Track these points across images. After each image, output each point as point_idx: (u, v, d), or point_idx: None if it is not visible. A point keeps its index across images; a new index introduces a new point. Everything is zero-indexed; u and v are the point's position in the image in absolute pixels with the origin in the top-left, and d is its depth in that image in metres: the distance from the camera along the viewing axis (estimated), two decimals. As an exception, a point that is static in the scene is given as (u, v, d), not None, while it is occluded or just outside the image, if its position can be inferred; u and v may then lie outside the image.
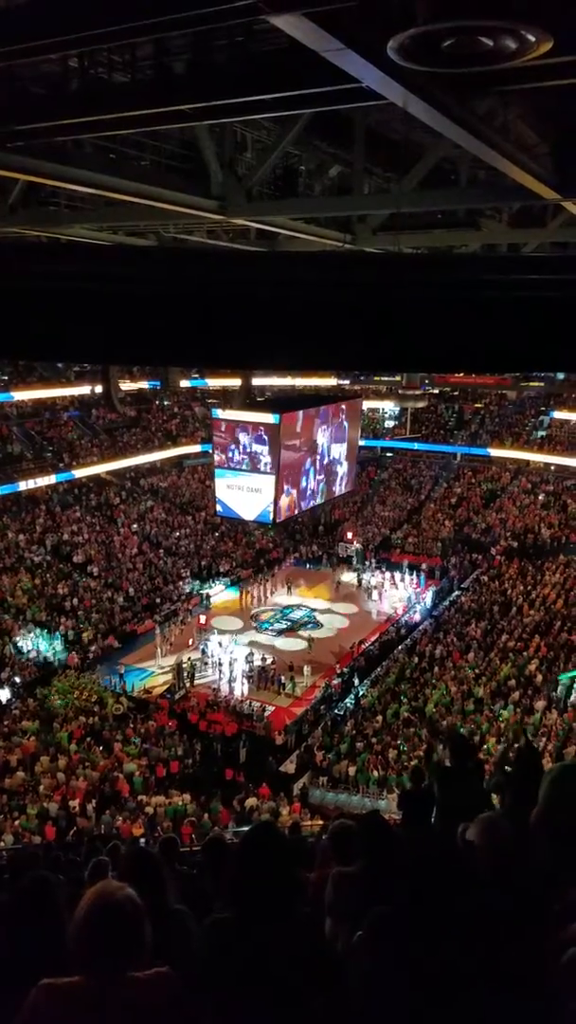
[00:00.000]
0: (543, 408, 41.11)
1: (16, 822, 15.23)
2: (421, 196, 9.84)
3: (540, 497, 36.86)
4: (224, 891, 2.39)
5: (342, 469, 19.18)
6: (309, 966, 2.28)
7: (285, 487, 15.91)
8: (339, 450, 18.52)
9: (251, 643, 26.80)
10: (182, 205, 9.77)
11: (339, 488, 19.72)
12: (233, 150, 9.92)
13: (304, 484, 17.14)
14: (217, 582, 32.38)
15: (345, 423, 18.77)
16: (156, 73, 6.65)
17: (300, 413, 16.45)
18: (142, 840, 13.78)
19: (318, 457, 17.44)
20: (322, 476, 17.91)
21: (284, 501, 16.06)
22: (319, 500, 18.75)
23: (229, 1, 4.02)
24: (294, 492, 16.67)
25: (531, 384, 41.45)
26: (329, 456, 17.92)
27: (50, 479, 32.91)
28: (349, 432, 19.25)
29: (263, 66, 5.96)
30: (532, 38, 4.31)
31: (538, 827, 2.88)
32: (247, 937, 2.24)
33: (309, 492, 17.52)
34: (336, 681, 24.16)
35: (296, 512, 18.01)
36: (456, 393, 44.68)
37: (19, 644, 24.66)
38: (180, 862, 6.24)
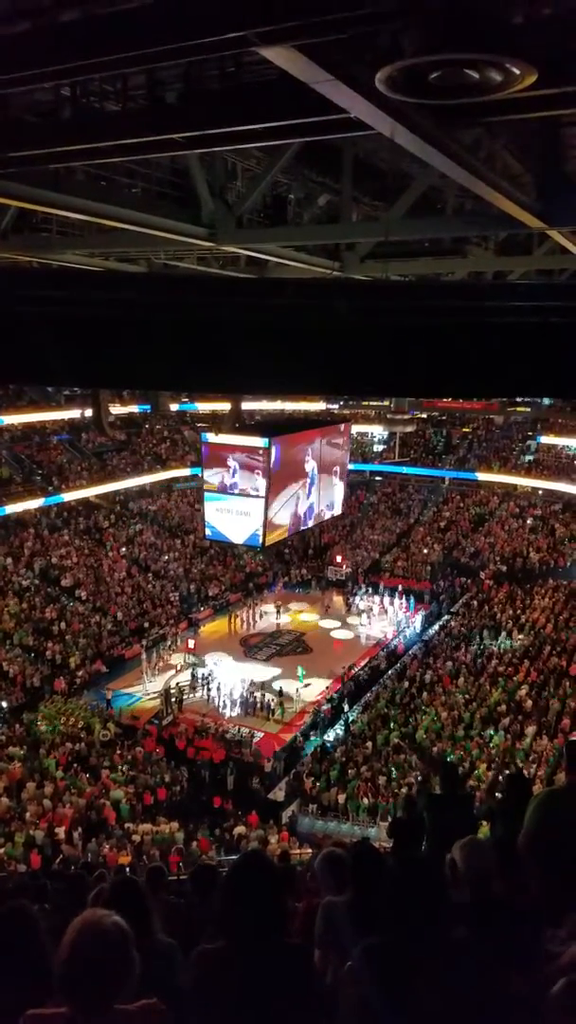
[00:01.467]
0: (530, 433, 41.49)
1: (1, 850, 14.95)
2: (409, 225, 9.98)
3: (528, 521, 37.05)
4: (212, 920, 2.35)
5: (331, 493, 19.22)
6: (298, 997, 2.24)
7: (274, 511, 15.92)
8: (328, 474, 18.57)
9: (240, 668, 26.60)
10: (173, 232, 9.87)
11: (328, 512, 19.74)
12: (223, 178, 10.06)
13: (293, 508, 17.15)
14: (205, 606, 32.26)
15: (334, 447, 18.84)
16: (148, 102, 6.75)
17: (289, 437, 16.52)
18: (128, 869, 13.53)
19: (307, 481, 17.48)
20: (311, 500, 17.93)
21: (273, 524, 16.05)
22: (309, 524, 18.76)
23: (220, 33, 4.10)
24: (283, 515, 16.66)
25: (518, 409, 41.87)
26: (318, 480, 17.96)
27: (39, 503, 32.78)
28: (338, 456, 19.33)
29: (253, 97, 6.06)
30: (517, 71, 4.41)
31: (525, 851, 2.86)
32: (235, 968, 2.19)
33: (298, 516, 17.53)
34: (326, 707, 24.00)
35: (286, 535, 18.00)
36: (444, 418, 45.04)
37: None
38: (167, 891, 6.12)
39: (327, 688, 25.25)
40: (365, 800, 18.41)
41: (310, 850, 14.73)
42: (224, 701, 24.29)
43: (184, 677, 25.78)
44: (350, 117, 5.46)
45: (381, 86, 4.61)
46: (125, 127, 6.76)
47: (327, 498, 18.98)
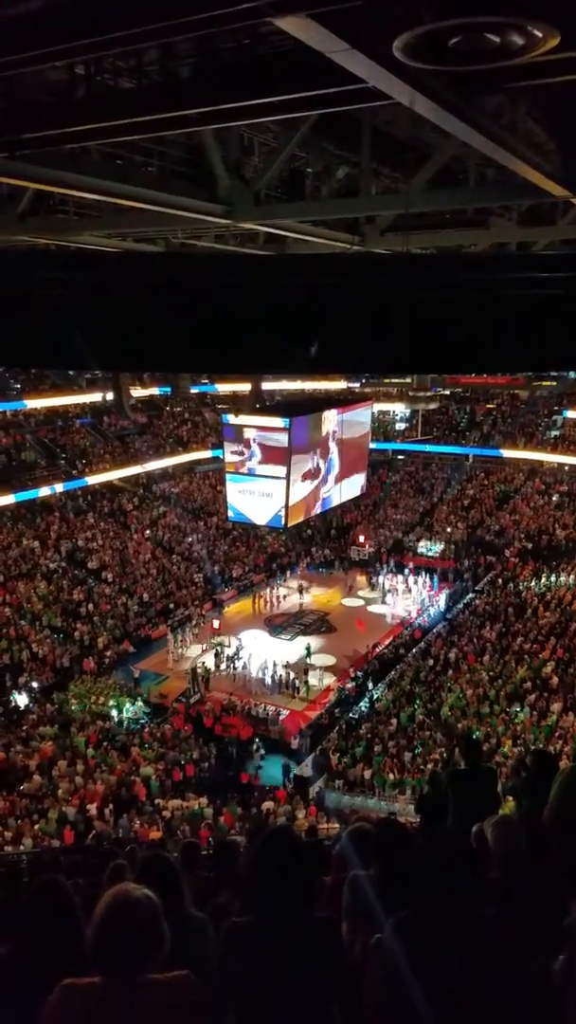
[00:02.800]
0: (556, 408, 40.86)
1: (35, 826, 15.30)
2: (430, 196, 9.81)
3: (554, 498, 36.63)
4: (241, 894, 2.38)
5: (353, 472, 19.14)
6: (326, 970, 2.26)
7: (296, 491, 15.89)
8: (350, 453, 18.48)
9: (265, 647, 26.78)
10: (190, 210, 9.80)
11: (351, 491, 19.67)
12: (239, 154, 9.95)
13: (315, 488, 17.10)
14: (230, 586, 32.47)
15: (356, 426, 18.72)
16: (162, 78, 6.68)
17: (310, 417, 16.44)
18: (159, 844, 13.78)
19: (329, 461, 17.41)
20: (333, 479, 17.87)
21: (296, 505, 16.03)
22: (331, 504, 18.71)
23: (234, 4, 4.02)
24: (305, 496, 16.63)
25: (544, 384, 41.19)
26: (340, 459, 17.88)
27: (64, 486, 33.08)
28: (360, 435, 19.21)
29: (269, 69, 5.96)
30: (539, 34, 4.29)
31: (549, 828, 2.84)
32: (264, 941, 2.22)
33: (320, 496, 17.49)
34: (350, 684, 24.11)
35: (308, 516, 17.98)
36: (467, 394, 44.52)
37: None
38: (200, 867, 6.21)
39: (350, 668, 25.32)
40: (391, 776, 18.53)
41: (337, 825, 14.88)
42: (250, 679, 24.50)
43: (210, 656, 26.02)
44: (368, 87, 5.35)
45: (399, 54, 4.51)
46: (139, 104, 6.70)
47: (349, 478, 18.91)
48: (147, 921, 1.95)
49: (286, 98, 6.13)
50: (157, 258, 12.74)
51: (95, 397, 37.33)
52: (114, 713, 21.89)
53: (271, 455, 15.49)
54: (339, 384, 43.23)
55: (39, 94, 7.20)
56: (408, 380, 40.60)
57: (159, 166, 9.67)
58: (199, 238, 15.02)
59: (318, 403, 21.58)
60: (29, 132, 7.04)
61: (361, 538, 36.89)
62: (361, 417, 19.27)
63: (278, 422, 15.46)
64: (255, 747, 20.67)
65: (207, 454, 39.66)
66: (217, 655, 25.96)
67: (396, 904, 2.41)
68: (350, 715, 22.58)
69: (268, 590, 32.35)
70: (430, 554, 34.90)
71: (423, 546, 35.51)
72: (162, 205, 9.49)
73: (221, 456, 18.62)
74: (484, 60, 4.70)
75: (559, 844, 2.69)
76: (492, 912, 2.37)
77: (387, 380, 43.31)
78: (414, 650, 26.46)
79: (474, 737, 15.53)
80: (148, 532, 34.18)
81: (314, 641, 27.59)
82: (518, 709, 20.96)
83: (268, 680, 24.45)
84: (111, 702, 22.38)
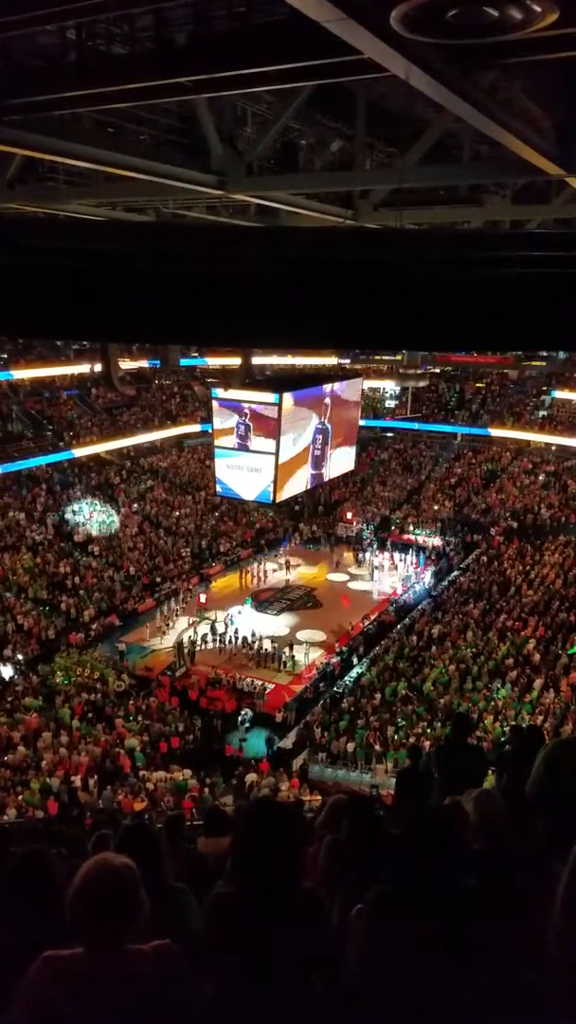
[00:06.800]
0: (545, 388, 40.92)
1: (19, 797, 15.41)
2: (424, 171, 9.73)
3: (540, 477, 36.82)
4: (227, 865, 2.42)
5: (342, 449, 19.12)
6: (309, 940, 2.31)
7: (285, 467, 15.86)
8: (339, 430, 18.44)
9: (250, 622, 26.91)
10: (181, 180, 9.66)
11: (340, 468, 19.67)
12: (233, 124, 9.80)
13: (304, 464, 17.09)
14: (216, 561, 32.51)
15: (346, 402, 18.67)
16: (155, 45, 6.55)
17: (300, 392, 16.37)
18: (145, 816, 13.94)
19: (318, 437, 17.38)
20: (322, 455, 17.85)
21: (284, 481, 16.02)
22: (320, 480, 18.72)
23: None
24: (294, 472, 16.62)
25: (533, 363, 41.21)
26: (329, 436, 17.85)
27: (50, 458, 32.84)
28: (349, 412, 19.16)
29: (263, 38, 5.86)
30: (538, 8, 4.25)
31: (533, 801, 2.91)
32: (248, 911, 2.26)
33: (309, 472, 17.48)
34: (335, 659, 24.32)
35: (297, 492, 17.99)
36: (457, 372, 44.47)
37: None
38: (185, 839, 6.28)
39: (335, 643, 25.51)
40: (376, 747, 18.80)
41: (320, 797, 15.10)
42: (236, 653, 24.66)
43: (196, 630, 26.13)
44: (364, 59, 5.28)
45: (396, 25, 4.45)
46: (132, 71, 6.57)
47: (338, 454, 18.89)
48: (124, 890, 1.97)
49: (281, 68, 6.04)
50: (148, 228, 12.56)
51: (83, 368, 36.94)
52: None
53: (260, 430, 15.43)
54: (330, 360, 43.01)
55: (30, 58, 7.05)
56: (399, 357, 40.54)
57: (151, 135, 9.52)
58: (190, 209, 14.83)
59: (308, 378, 21.47)
60: (19, 97, 6.90)
61: (348, 515, 36.98)
62: (351, 393, 19.20)
63: (268, 397, 15.38)
64: (240, 720, 20.87)
65: (196, 428, 39.45)
66: (198, 630, 26.06)
67: (372, 871, 2.46)
68: (334, 689, 22.81)
69: (255, 565, 32.44)
70: (424, 536, 34.96)
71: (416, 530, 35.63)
72: (154, 174, 9.35)
73: (210, 430, 18.51)
74: (482, 34, 4.64)
75: (544, 818, 2.76)
76: (474, 883, 2.43)
77: (378, 357, 43.17)
78: (399, 626, 26.70)
79: (463, 713, 15.74)
80: (135, 506, 34.08)
81: (300, 616, 27.77)
82: (500, 685, 21.24)
83: (253, 654, 24.60)
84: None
